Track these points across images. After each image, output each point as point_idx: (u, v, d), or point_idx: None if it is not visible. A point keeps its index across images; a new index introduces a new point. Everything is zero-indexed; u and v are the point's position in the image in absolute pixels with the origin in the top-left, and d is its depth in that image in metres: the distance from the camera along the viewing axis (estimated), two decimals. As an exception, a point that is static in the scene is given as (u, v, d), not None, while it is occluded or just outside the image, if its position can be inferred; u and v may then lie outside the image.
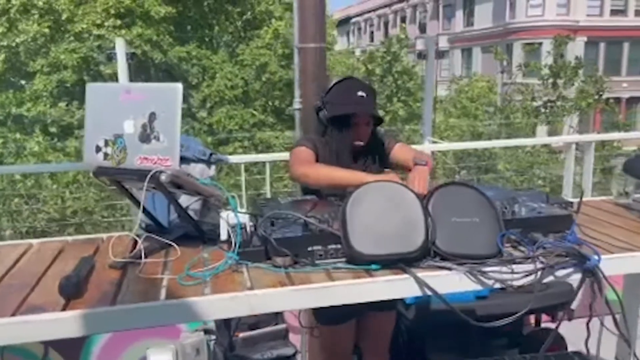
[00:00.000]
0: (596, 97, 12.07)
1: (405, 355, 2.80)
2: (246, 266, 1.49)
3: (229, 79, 15.75)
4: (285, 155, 2.48)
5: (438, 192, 1.58)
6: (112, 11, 13.50)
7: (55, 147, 12.35)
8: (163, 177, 1.47)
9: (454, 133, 11.93)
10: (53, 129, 13.32)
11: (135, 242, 1.71)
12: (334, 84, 2.08)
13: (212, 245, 1.69)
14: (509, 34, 23.54)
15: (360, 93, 1.99)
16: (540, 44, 18.45)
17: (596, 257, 1.49)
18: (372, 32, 36.83)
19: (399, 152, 2.09)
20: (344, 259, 1.51)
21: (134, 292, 1.36)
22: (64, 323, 1.22)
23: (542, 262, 1.47)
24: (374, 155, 2.11)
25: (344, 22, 36.24)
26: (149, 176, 1.45)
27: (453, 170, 8.57)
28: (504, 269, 1.46)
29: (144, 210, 1.71)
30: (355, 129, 2.02)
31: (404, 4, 32.87)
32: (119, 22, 13.48)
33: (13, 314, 1.23)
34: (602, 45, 23.84)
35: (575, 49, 15.92)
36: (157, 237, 1.66)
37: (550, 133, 13.39)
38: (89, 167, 1.62)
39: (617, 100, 20.26)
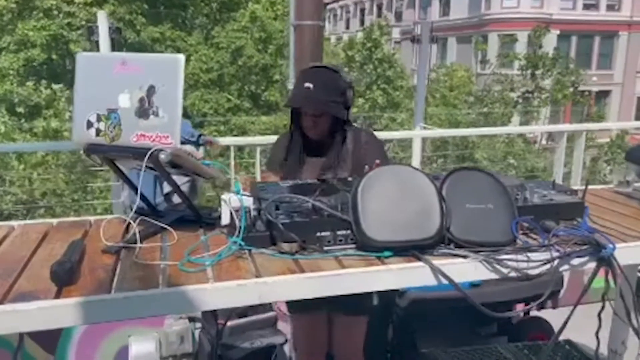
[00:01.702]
0: (572, 89, 12.27)
1: (396, 342, 2.77)
2: (249, 252, 1.41)
3: (203, 62, 15.46)
4: (273, 138, 2.39)
5: (451, 177, 1.51)
6: (84, -13, 13.03)
7: (22, 128, 11.91)
8: (163, 156, 1.36)
9: (433, 122, 11.97)
10: (20, 109, 12.84)
11: (127, 227, 1.60)
12: (301, 70, 2.07)
13: (211, 229, 1.59)
14: (484, 25, 23.71)
15: (307, 84, 1.91)
16: (514, 35, 18.64)
17: (611, 246, 1.45)
18: (348, 19, 36.65)
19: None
20: (353, 246, 1.44)
21: (132, 278, 1.26)
22: (58, 312, 1.12)
23: (557, 251, 1.43)
24: (333, 153, 2.02)
25: (320, 8, 35.80)
26: (148, 155, 1.34)
27: (431, 159, 8.60)
28: (520, 257, 1.41)
29: (135, 190, 1.60)
30: (302, 123, 1.98)
31: (380, -9, 32.77)
32: (90, -1, 13.01)
33: (1, 302, 1.11)
34: (574, 39, 24.27)
35: (549, 41, 16.16)
36: (152, 220, 1.56)
37: (524, 123, 13.58)
38: (77, 145, 1.50)
39: (582, 93, 20.74)
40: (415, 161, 3.23)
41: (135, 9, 14.31)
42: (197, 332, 2.78)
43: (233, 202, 1.46)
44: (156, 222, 1.54)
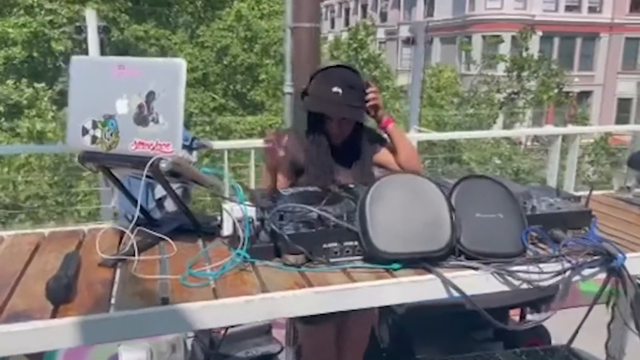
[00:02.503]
0: (556, 90, 12.39)
1: (393, 348, 2.73)
2: (253, 265, 1.35)
3: (188, 61, 15.17)
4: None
5: (460, 185, 1.48)
6: (66, -15, 12.78)
7: (2, 127, 11.65)
8: (163, 166, 1.30)
9: (420, 123, 11.98)
10: (0, 108, 12.56)
11: (121, 237, 1.54)
12: (318, 71, 1.93)
13: (210, 239, 1.54)
14: (468, 26, 23.87)
15: (335, 89, 1.81)
16: (499, 36, 18.78)
17: (621, 256, 1.43)
18: (333, 19, 36.62)
19: (384, 155, 2.02)
20: (360, 257, 1.39)
21: (131, 294, 1.20)
22: (55, 333, 1.05)
23: (568, 262, 1.40)
24: (357, 153, 1.97)
25: (305, 8, 35.69)
26: (149, 164, 1.28)
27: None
28: (532, 268, 1.38)
29: (134, 200, 1.54)
30: (328, 128, 1.90)
31: (365, -9, 32.80)
32: (72, -4, 12.77)
33: (-7, 323, 1.05)
34: (556, 40, 24.54)
35: (532, 43, 16.34)
36: (149, 230, 1.49)
37: (509, 125, 13.69)
38: (73, 150, 1.43)
39: (567, 94, 20.99)
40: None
41: (118, 7, 14.09)
42: (189, 341, 2.70)
43: (235, 212, 1.41)
44: (153, 233, 1.47)
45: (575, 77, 23.29)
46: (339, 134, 1.92)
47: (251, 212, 1.43)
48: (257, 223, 1.43)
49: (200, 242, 1.54)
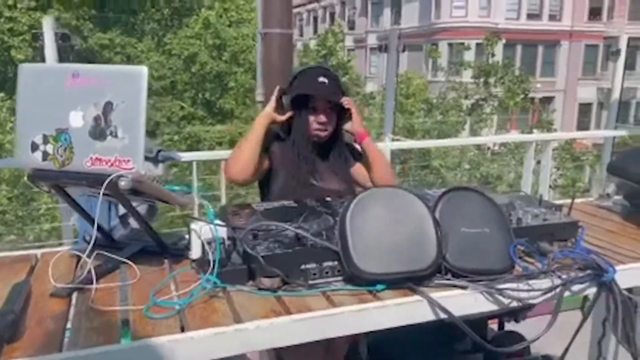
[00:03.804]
0: (522, 96, 12.60)
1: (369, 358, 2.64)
2: (225, 290, 1.24)
3: (155, 69, 15.00)
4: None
5: (444, 198, 1.40)
6: (26, -9, 12.37)
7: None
8: (123, 184, 1.18)
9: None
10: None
11: (78, 261, 1.40)
12: (300, 71, 1.98)
13: (178, 262, 1.42)
14: (435, 33, 24.16)
15: (321, 79, 1.89)
16: (464, 43, 19.07)
17: (612, 270, 1.37)
18: (301, 27, 36.65)
19: (359, 170, 2.03)
20: (341, 278, 1.30)
21: (87, 330, 1.07)
22: (-3, 381, 0.92)
23: (559, 277, 1.34)
24: (338, 154, 1.98)
25: (273, 15, 35.61)
26: (106, 182, 1.15)
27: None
28: (521, 285, 1.31)
29: (91, 220, 1.41)
30: (314, 115, 1.91)
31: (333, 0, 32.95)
32: (33, 3, 12.35)
33: None
34: (519, 48, 25.07)
35: (496, 49, 16.59)
36: (108, 254, 1.36)
37: (476, 130, 13.86)
38: (22, 166, 1.29)
39: (532, 99, 21.46)
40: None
41: (82, 15, 13.71)
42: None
43: (204, 232, 1.30)
44: (114, 257, 1.35)
45: (538, 83, 23.82)
46: (325, 127, 1.91)
47: (222, 232, 1.32)
48: (228, 243, 1.32)
49: (167, 265, 1.42)
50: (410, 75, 14.97)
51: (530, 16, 25.53)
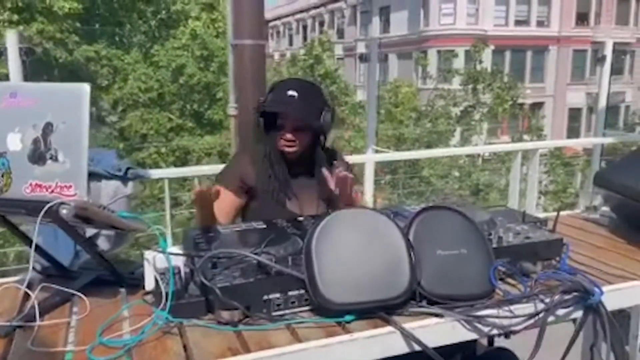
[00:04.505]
0: (511, 102, 12.59)
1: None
2: (182, 325, 1.14)
3: (143, 81, 14.87)
4: (217, 168, 2.11)
5: (418, 219, 1.30)
6: (8, 4, 12.21)
7: None
8: (64, 212, 1.08)
9: (378, 138, 11.95)
10: None
11: (26, 294, 1.29)
12: (273, 84, 1.87)
13: (134, 293, 1.31)
14: (423, 41, 24.23)
15: (290, 92, 1.75)
16: (453, 50, 19.11)
17: (598, 291, 1.29)
18: (290, 36, 36.70)
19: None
20: (308, 308, 1.20)
21: (23, 376, 0.96)
22: None
23: (542, 301, 1.25)
24: (312, 173, 1.83)
25: (262, 25, 35.65)
26: (43, 211, 1.05)
27: (378, 178, 8.48)
28: (502, 312, 1.22)
29: (39, 249, 1.31)
30: (282, 139, 1.78)
31: (321, 9, 33.03)
32: (15, 16, 12.21)
33: None
34: (507, 54, 25.19)
35: (484, 56, 16.63)
36: (56, 285, 1.26)
37: (466, 138, 13.83)
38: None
39: (521, 105, 21.52)
40: (368, 188, 3.03)
41: (67, 27, 13.57)
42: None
43: (158, 262, 1.20)
44: (62, 288, 1.24)
45: (527, 88, 23.91)
46: (294, 144, 1.78)
47: (179, 260, 1.22)
48: (186, 272, 1.22)
49: (122, 296, 1.31)
50: (399, 84, 14.94)
51: (519, 22, 25.68)
